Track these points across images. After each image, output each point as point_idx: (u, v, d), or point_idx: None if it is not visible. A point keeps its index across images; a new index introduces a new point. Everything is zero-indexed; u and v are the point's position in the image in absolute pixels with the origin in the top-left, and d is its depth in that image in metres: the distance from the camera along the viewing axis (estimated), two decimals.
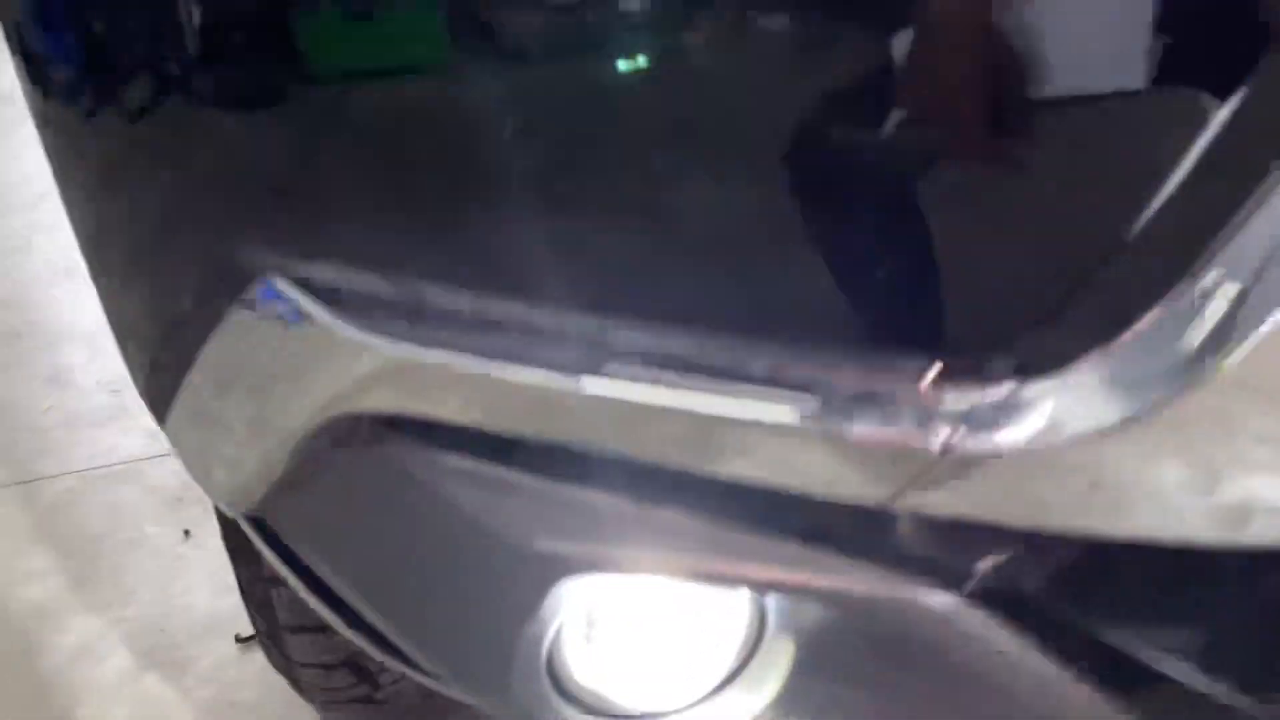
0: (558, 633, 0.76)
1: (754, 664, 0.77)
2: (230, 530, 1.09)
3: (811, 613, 0.74)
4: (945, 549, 0.70)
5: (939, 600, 0.70)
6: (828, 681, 0.76)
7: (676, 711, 0.79)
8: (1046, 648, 0.71)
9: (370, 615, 0.84)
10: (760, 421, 0.64)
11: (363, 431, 0.73)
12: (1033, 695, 0.72)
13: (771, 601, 0.75)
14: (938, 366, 0.62)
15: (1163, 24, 0.55)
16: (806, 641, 0.75)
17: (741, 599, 0.76)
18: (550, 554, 0.72)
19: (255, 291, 0.71)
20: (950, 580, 0.70)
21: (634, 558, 0.73)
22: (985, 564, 0.69)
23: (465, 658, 0.80)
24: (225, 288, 0.72)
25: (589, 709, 0.79)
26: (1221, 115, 0.55)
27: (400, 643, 0.84)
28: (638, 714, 0.80)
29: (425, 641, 0.83)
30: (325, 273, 0.69)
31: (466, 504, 0.73)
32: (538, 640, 0.75)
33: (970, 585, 0.70)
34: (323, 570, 0.84)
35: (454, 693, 0.88)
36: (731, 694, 0.78)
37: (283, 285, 0.70)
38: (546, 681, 0.77)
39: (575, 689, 0.78)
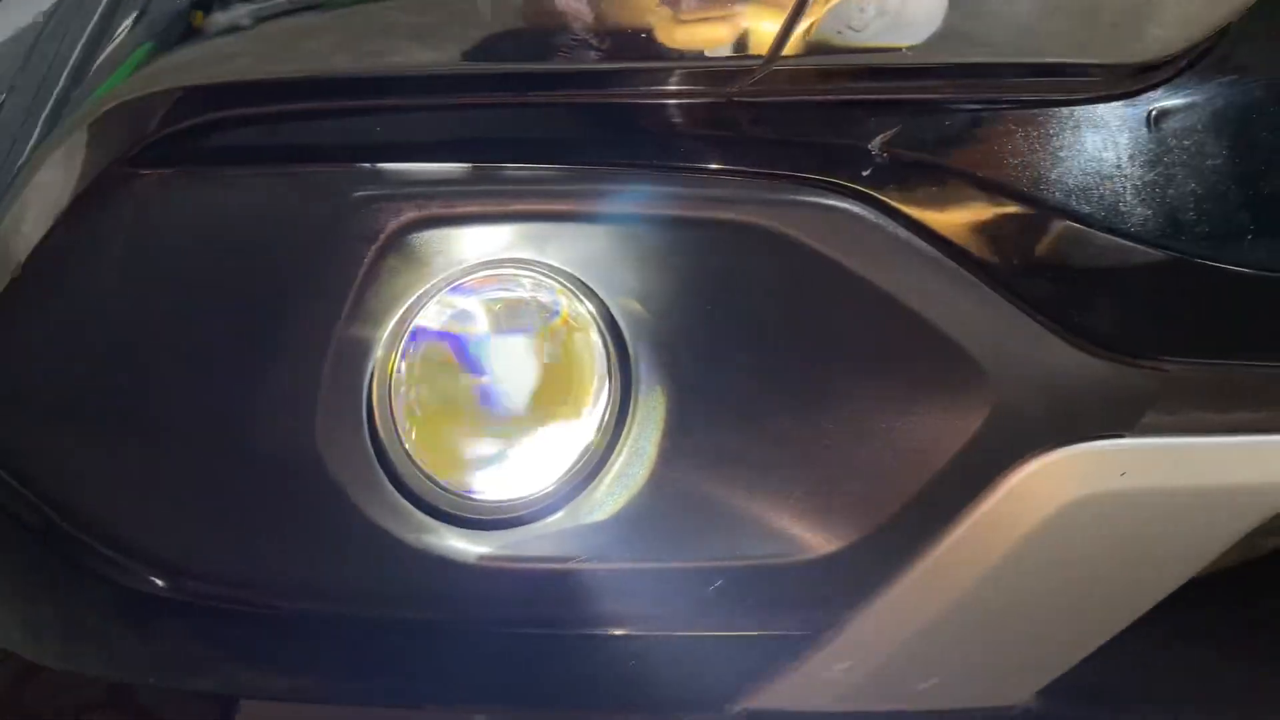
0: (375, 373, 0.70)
1: (630, 434, 0.74)
2: None
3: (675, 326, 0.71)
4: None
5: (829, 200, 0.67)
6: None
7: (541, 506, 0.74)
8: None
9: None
10: None
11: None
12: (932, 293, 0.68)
13: (639, 346, 0.72)
14: None
15: None
16: (680, 381, 0.72)
17: (599, 356, 0.73)
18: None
19: None
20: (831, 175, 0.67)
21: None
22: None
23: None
24: None
25: (425, 502, 0.73)
26: None
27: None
28: (490, 504, 0.74)
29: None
30: None
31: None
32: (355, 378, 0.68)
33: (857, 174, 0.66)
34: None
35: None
36: (607, 479, 0.74)
37: None
38: (370, 451, 0.70)
39: (407, 470, 0.72)
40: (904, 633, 0.79)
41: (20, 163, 0.80)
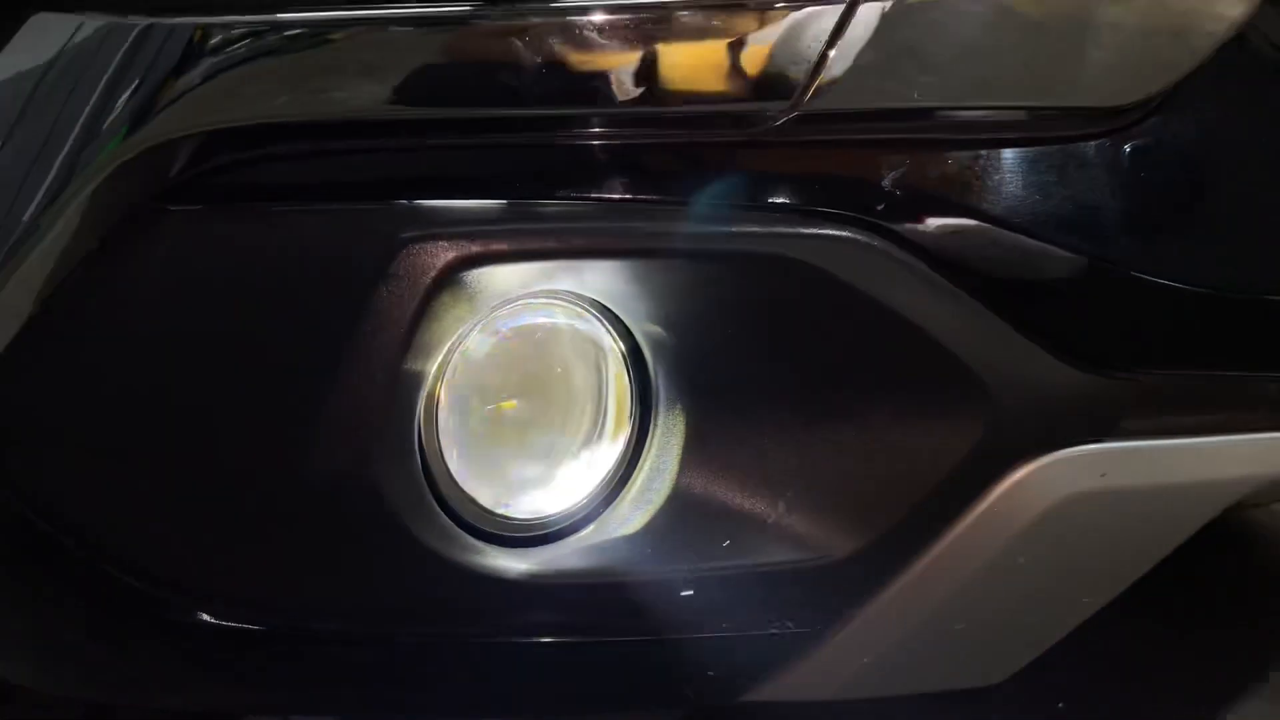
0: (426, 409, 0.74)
1: (651, 451, 0.79)
2: None
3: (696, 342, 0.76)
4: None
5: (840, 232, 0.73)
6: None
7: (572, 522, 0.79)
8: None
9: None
10: None
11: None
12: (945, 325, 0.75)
13: (660, 368, 0.77)
14: None
15: None
16: (697, 400, 0.78)
17: (623, 379, 0.78)
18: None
19: None
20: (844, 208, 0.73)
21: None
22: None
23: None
24: None
25: (467, 523, 0.77)
26: None
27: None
28: (523, 523, 0.78)
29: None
30: None
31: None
32: (408, 410, 0.72)
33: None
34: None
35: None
36: (631, 494, 0.79)
37: None
38: (422, 478, 0.74)
39: (451, 492, 0.76)
40: (905, 626, 0.86)
41: (39, 200, 0.80)
